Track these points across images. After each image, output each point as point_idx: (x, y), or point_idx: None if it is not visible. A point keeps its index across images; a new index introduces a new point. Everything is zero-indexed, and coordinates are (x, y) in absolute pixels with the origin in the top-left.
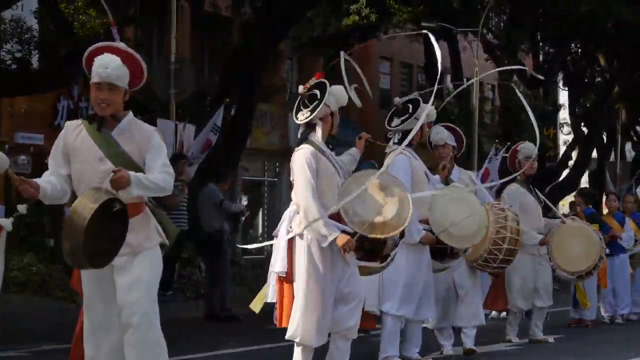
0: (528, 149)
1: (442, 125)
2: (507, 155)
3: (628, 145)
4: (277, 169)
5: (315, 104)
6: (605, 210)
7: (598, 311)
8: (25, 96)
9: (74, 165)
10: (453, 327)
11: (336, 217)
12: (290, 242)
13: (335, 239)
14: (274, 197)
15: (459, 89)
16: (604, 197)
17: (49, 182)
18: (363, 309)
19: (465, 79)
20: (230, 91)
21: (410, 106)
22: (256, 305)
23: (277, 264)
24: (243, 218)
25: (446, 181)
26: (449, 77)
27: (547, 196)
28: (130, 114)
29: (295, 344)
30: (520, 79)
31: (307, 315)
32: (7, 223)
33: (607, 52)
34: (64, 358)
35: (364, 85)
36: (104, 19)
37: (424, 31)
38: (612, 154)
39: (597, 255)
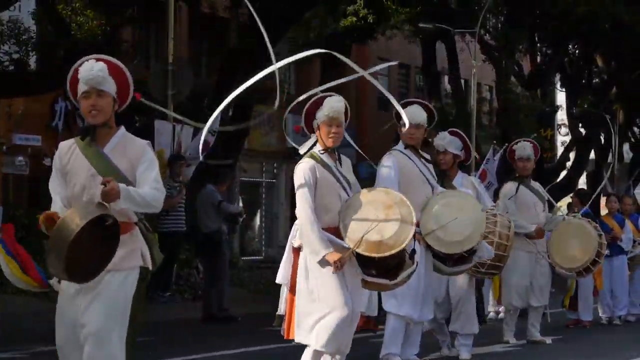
0: (520, 149)
1: (451, 132)
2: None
3: (626, 147)
4: (274, 170)
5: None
6: (603, 212)
7: (596, 312)
8: (23, 97)
9: (69, 184)
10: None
11: (336, 231)
12: (296, 254)
13: (327, 255)
14: (271, 198)
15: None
16: (602, 198)
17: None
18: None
19: (462, 80)
20: (228, 92)
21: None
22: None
23: (280, 275)
24: (241, 219)
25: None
26: (446, 78)
27: None
28: (123, 128)
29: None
30: (517, 79)
31: (327, 326)
32: None
33: (605, 53)
34: None
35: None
36: (101, 20)
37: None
38: (610, 155)
39: (593, 252)
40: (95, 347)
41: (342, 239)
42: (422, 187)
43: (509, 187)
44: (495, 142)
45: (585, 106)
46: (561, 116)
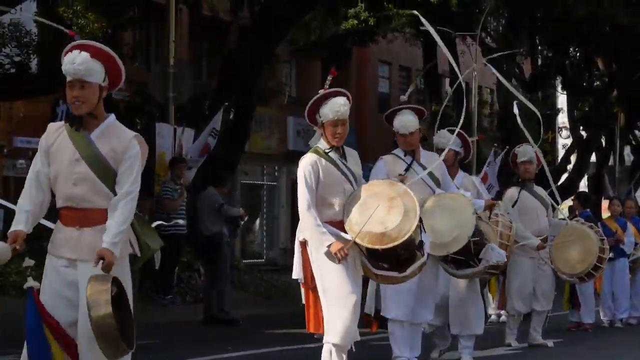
0: (523, 152)
1: (450, 130)
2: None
3: (627, 149)
4: (275, 173)
5: None
6: (604, 215)
7: (597, 315)
8: (24, 100)
9: (52, 165)
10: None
11: (341, 225)
12: (305, 249)
13: (329, 246)
14: (272, 200)
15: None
16: (603, 201)
17: (27, 214)
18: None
19: (463, 83)
20: (229, 95)
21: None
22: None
23: (294, 271)
24: (242, 222)
25: None
26: (447, 81)
27: None
28: (112, 116)
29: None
30: (518, 82)
31: (332, 316)
32: None
33: (606, 56)
34: None
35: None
36: (102, 22)
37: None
38: (611, 158)
39: (594, 257)
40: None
41: (346, 232)
42: (417, 190)
43: (512, 192)
44: (496, 144)
45: (586, 109)
46: (562, 119)
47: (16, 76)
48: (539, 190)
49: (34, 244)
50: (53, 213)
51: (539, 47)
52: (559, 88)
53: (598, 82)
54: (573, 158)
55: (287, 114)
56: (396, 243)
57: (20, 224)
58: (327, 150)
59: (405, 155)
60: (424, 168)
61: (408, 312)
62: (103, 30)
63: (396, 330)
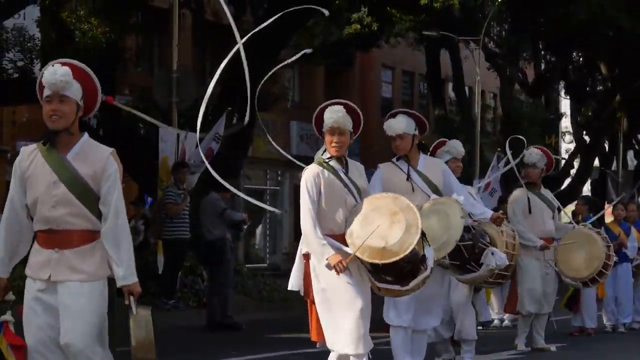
0: (527, 155)
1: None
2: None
3: (630, 154)
4: (278, 178)
5: None
6: (607, 219)
7: (600, 320)
8: (27, 105)
9: (29, 190)
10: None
11: (342, 238)
12: (307, 262)
13: (329, 258)
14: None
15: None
16: (606, 206)
17: (2, 260)
18: None
19: (467, 88)
20: (232, 100)
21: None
22: None
23: (292, 281)
24: (245, 227)
25: None
26: (450, 86)
27: None
28: (86, 135)
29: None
30: (521, 86)
31: (342, 325)
32: None
33: (608, 61)
34: None
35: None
36: (105, 27)
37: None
38: (614, 162)
39: (600, 263)
40: None
41: (347, 245)
42: (412, 196)
43: (518, 194)
44: (499, 149)
45: (589, 113)
46: (565, 123)
47: (19, 81)
48: (546, 192)
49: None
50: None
51: (542, 52)
52: (562, 92)
53: (601, 87)
54: (576, 162)
55: (290, 118)
56: (396, 258)
57: None
58: (327, 160)
59: (397, 160)
60: (421, 174)
61: (409, 319)
62: (106, 36)
63: (397, 337)
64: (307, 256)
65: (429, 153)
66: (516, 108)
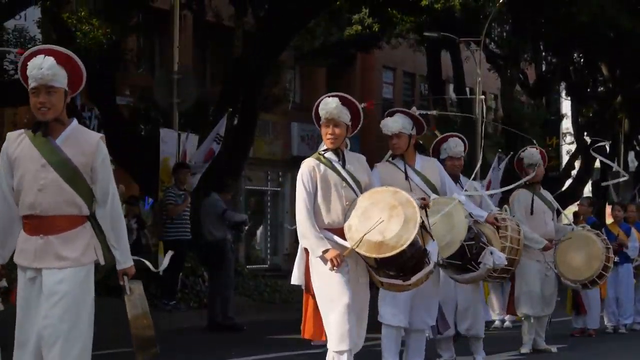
0: (529, 156)
1: (452, 136)
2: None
3: (631, 155)
4: (279, 179)
5: None
6: (608, 220)
7: (601, 321)
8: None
9: (16, 174)
10: (459, 337)
11: (340, 231)
12: (308, 256)
13: (325, 252)
14: (276, 206)
15: None
16: (607, 207)
17: None
18: None
19: (467, 89)
20: (233, 101)
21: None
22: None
23: (294, 276)
24: (246, 227)
25: None
26: (451, 87)
27: None
28: (75, 121)
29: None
30: (522, 88)
31: (328, 321)
32: None
33: (609, 62)
34: None
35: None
36: (106, 28)
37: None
38: (615, 163)
39: (599, 265)
40: (62, 353)
41: (345, 238)
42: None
43: (519, 195)
44: (500, 150)
45: (590, 115)
46: (566, 124)
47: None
48: (546, 193)
49: None
50: None
51: (543, 53)
52: (563, 93)
53: (602, 88)
54: (577, 164)
55: (291, 119)
56: (393, 253)
57: None
58: (323, 151)
59: (393, 159)
60: (419, 174)
61: (403, 319)
62: (107, 37)
63: (389, 336)
64: (308, 250)
65: (431, 150)
66: (517, 109)
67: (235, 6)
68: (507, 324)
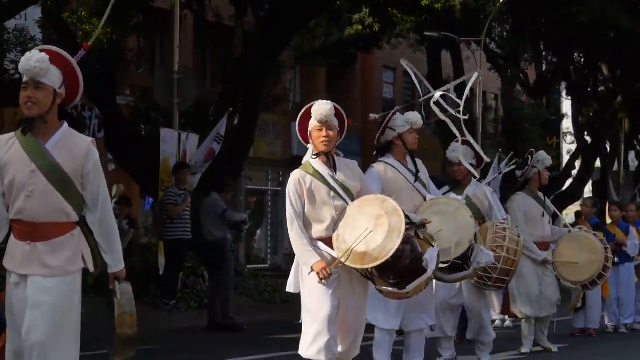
0: (547, 159)
1: (463, 141)
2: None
3: (631, 155)
4: (280, 179)
5: None
6: (607, 221)
7: (602, 320)
8: None
9: (6, 178)
10: (463, 340)
11: (330, 241)
12: None
13: (313, 264)
14: (277, 206)
15: None
16: (607, 207)
17: None
18: None
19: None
20: (233, 101)
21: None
22: None
23: (290, 284)
24: (246, 227)
25: None
26: (451, 87)
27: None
28: (66, 124)
29: None
30: (523, 87)
31: (309, 332)
32: None
33: (610, 62)
34: None
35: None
36: (107, 28)
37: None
38: (616, 163)
39: (599, 266)
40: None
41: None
42: (410, 196)
43: (519, 198)
44: (500, 150)
45: (591, 114)
46: (567, 124)
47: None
48: (542, 196)
49: None
50: None
51: (543, 53)
52: (564, 93)
53: (602, 88)
54: (578, 163)
55: (291, 119)
56: (376, 264)
57: None
58: (313, 157)
59: (387, 158)
60: (413, 173)
61: (394, 322)
62: (108, 37)
63: (382, 339)
64: None
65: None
66: (517, 109)
67: (235, 6)
68: (507, 323)
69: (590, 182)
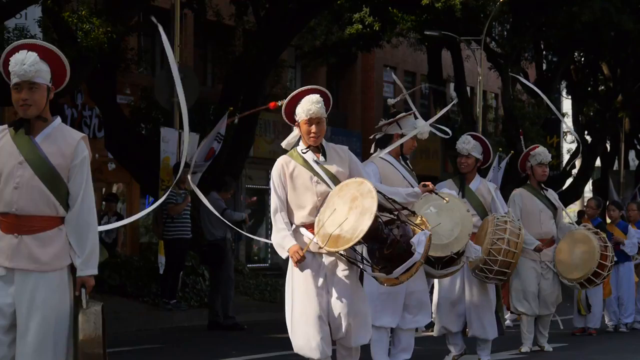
0: (541, 155)
1: (474, 136)
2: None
3: (631, 154)
4: None
5: None
6: (608, 220)
7: (602, 320)
8: None
9: None
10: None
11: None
12: None
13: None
14: None
15: None
16: (607, 207)
17: None
18: None
19: (468, 88)
20: (234, 100)
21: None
22: None
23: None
24: (245, 227)
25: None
26: (452, 86)
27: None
28: (58, 119)
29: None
30: (523, 87)
31: (298, 328)
32: None
33: (610, 61)
34: None
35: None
36: (107, 27)
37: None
38: (616, 162)
39: (594, 264)
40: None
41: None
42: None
43: (518, 193)
44: (500, 149)
45: (591, 114)
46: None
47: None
48: (550, 193)
49: None
50: None
51: (544, 52)
52: (564, 93)
53: (603, 87)
54: (578, 162)
55: None
56: (348, 246)
57: None
58: (304, 151)
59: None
60: (408, 170)
61: (393, 321)
62: (108, 36)
63: (378, 337)
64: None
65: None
66: (518, 108)
67: (235, 5)
68: (507, 322)
69: (590, 182)
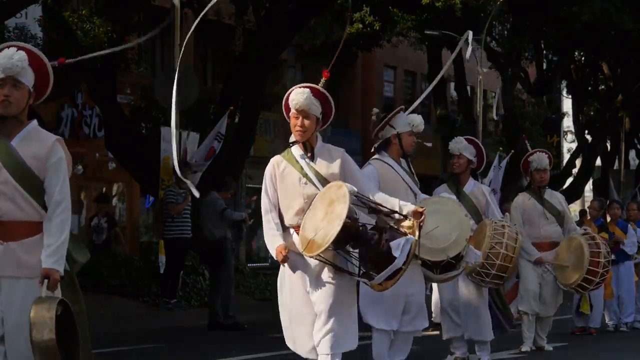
0: (538, 160)
1: (467, 139)
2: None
3: (632, 154)
4: None
5: None
6: (608, 219)
7: (602, 319)
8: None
9: None
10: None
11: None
12: None
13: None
14: None
15: None
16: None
17: None
18: None
19: (468, 87)
20: (234, 99)
21: (386, 115)
22: None
23: None
24: (245, 226)
25: None
26: (452, 85)
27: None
28: (35, 122)
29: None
30: (523, 86)
31: (288, 327)
32: None
33: (610, 61)
34: None
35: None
36: (107, 27)
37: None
38: (616, 161)
39: (583, 270)
40: None
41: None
42: (405, 195)
43: (520, 198)
44: (501, 149)
45: (591, 113)
46: (567, 123)
47: None
48: (551, 196)
49: None
50: None
51: (544, 51)
52: (564, 92)
53: (603, 86)
54: (578, 162)
55: None
56: (319, 251)
57: None
58: (291, 143)
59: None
60: (408, 172)
61: (393, 323)
62: (108, 35)
63: (380, 340)
64: None
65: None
66: (518, 107)
67: (236, 5)
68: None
69: (590, 181)
